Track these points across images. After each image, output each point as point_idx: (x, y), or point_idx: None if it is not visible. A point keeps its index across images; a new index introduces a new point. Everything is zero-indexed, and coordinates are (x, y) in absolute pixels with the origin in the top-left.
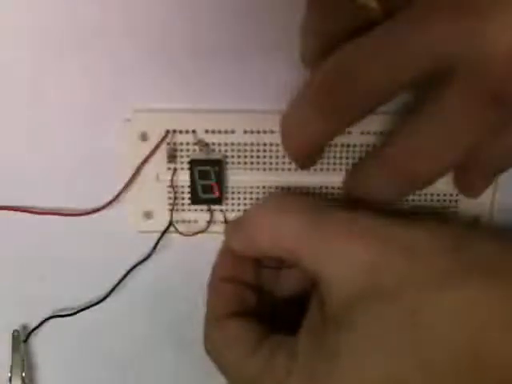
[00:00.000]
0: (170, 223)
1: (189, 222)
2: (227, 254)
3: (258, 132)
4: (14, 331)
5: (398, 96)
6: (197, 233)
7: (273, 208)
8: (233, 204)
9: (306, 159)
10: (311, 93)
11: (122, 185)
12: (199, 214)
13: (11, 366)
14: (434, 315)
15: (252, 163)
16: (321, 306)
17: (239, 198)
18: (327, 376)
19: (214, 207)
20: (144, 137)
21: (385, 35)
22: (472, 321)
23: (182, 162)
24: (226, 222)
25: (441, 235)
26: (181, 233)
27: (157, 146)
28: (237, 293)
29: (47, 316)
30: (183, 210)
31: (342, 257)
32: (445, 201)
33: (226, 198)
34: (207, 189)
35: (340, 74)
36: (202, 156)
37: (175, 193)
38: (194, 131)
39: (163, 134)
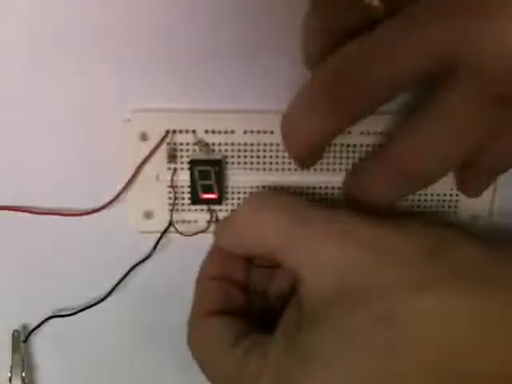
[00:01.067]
0: (170, 223)
1: (189, 222)
2: (216, 252)
3: (258, 132)
4: (14, 331)
5: (398, 96)
6: (197, 233)
7: (257, 206)
8: (233, 204)
9: (307, 159)
10: (312, 92)
11: (122, 185)
12: (199, 214)
13: (11, 366)
14: (407, 319)
15: (252, 163)
16: (298, 306)
17: (239, 198)
18: (298, 377)
19: (213, 207)
20: (144, 137)
21: (387, 34)
22: (446, 330)
23: (182, 162)
24: (217, 221)
25: (420, 238)
26: (181, 233)
27: (157, 146)
28: (222, 291)
29: (47, 316)
30: (183, 210)
31: (318, 257)
32: (445, 201)
33: (226, 198)
34: (207, 189)
35: (341, 73)
36: (202, 156)
37: (175, 193)
38: (194, 131)
39: (163, 134)
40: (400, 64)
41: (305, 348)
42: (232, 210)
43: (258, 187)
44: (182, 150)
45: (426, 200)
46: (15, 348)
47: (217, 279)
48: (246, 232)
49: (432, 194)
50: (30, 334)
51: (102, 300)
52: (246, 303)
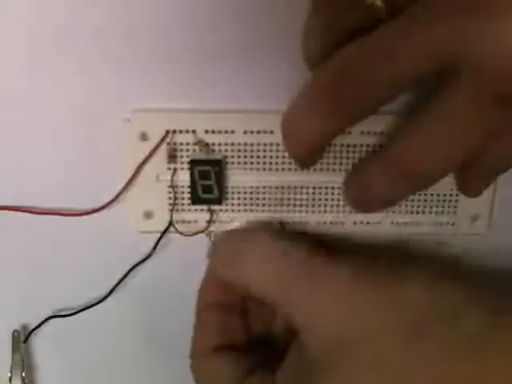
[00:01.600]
0: (170, 223)
1: (189, 222)
2: (211, 278)
3: (258, 132)
4: (14, 331)
5: (399, 96)
6: (197, 233)
7: (254, 252)
8: (233, 204)
9: (307, 159)
10: (313, 92)
11: (122, 185)
12: (199, 214)
13: (11, 366)
14: (401, 370)
15: (252, 163)
16: (300, 351)
17: (239, 198)
18: None
19: (213, 207)
20: (144, 137)
21: (387, 35)
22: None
23: (182, 162)
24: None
25: (405, 313)
26: (181, 233)
27: (157, 146)
28: (222, 320)
29: (47, 316)
30: (183, 210)
31: (314, 308)
32: (445, 201)
33: (226, 198)
34: (207, 189)
35: (342, 74)
36: (202, 156)
37: (175, 193)
38: (194, 131)
39: (163, 134)
40: (401, 64)
41: None
42: (228, 232)
43: (258, 187)
44: (182, 150)
45: (425, 200)
46: (15, 348)
47: (215, 307)
48: (236, 273)
49: (432, 194)
50: (30, 334)
51: (102, 300)
52: (247, 333)
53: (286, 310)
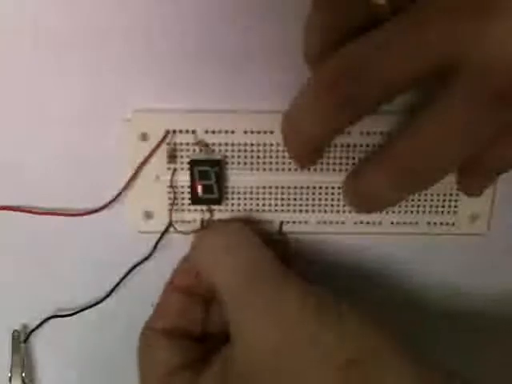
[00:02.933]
0: (170, 223)
1: (189, 222)
2: (187, 263)
3: (258, 132)
4: (14, 331)
5: (399, 96)
6: (197, 233)
7: (224, 247)
8: (233, 204)
9: (307, 158)
10: (313, 90)
11: (122, 185)
12: (199, 214)
13: (11, 366)
14: None
15: (252, 163)
16: (226, 360)
17: (239, 198)
18: None
19: (213, 207)
20: (144, 137)
21: (388, 34)
22: None
23: (182, 162)
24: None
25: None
26: (181, 233)
27: (157, 146)
28: (183, 307)
29: (47, 316)
30: (183, 210)
31: (253, 332)
32: (445, 201)
33: (226, 198)
34: (207, 189)
35: (343, 71)
36: (201, 156)
37: (175, 193)
38: (193, 131)
39: (163, 134)
40: (401, 63)
41: None
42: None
43: (257, 187)
44: (182, 150)
45: (426, 200)
46: (15, 348)
47: (181, 290)
48: (202, 269)
49: (432, 194)
50: (30, 334)
51: (102, 300)
52: (202, 326)
53: (230, 310)
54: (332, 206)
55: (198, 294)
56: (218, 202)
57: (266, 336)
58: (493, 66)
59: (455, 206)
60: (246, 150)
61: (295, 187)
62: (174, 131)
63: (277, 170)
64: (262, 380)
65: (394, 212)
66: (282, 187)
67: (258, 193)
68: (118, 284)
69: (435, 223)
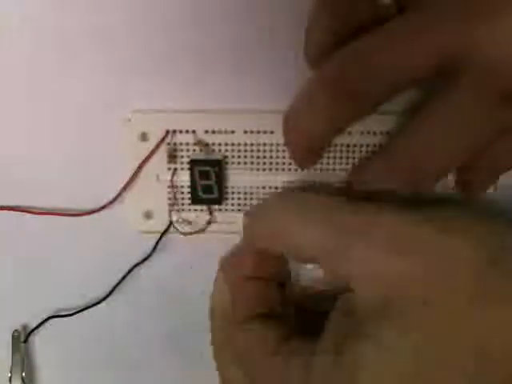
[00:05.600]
0: (170, 223)
1: (189, 222)
2: (247, 249)
3: (258, 132)
4: (14, 331)
5: (399, 95)
6: (197, 233)
7: (295, 211)
8: (233, 204)
9: (307, 157)
10: (315, 88)
11: (122, 185)
12: (199, 214)
13: (11, 366)
14: (460, 338)
15: (252, 163)
16: (346, 314)
17: (239, 198)
18: None
19: (213, 207)
20: (144, 137)
21: (393, 32)
22: (497, 343)
23: (182, 162)
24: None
25: (483, 246)
26: (181, 233)
27: (157, 146)
28: (260, 292)
29: (47, 316)
30: (183, 210)
31: (369, 268)
32: None
33: (226, 198)
34: (207, 189)
35: (345, 69)
36: (201, 156)
37: (175, 193)
38: (194, 131)
39: (163, 134)
40: (405, 61)
41: (353, 360)
42: (263, 204)
43: (257, 187)
44: (182, 150)
45: None
46: (15, 348)
47: (252, 279)
48: (284, 239)
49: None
50: (29, 333)
51: (102, 300)
52: (283, 303)
53: (334, 272)
54: None
55: (270, 277)
56: (218, 202)
57: (389, 265)
58: (498, 66)
59: None
60: (246, 150)
61: (295, 188)
62: (174, 131)
63: (277, 170)
64: (386, 316)
65: None
66: (282, 187)
67: (257, 193)
68: (118, 284)
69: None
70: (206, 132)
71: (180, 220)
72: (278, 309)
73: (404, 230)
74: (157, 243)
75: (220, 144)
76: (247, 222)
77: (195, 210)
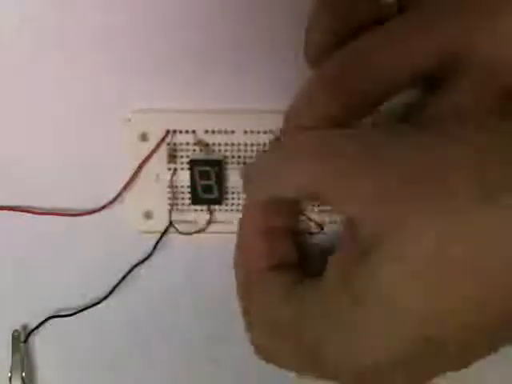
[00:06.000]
0: (170, 223)
1: (189, 222)
2: (251, 206)
3: (258, 132)
4: (14, 331)
5: (400, 94)
6: (197, 233)
7: (287, 154)
8: (233, 204)
9: None
10: (315, 87)
11: (122, 185)
12: (199, 214)
13: (11, 366)
14: (462, 247)
15: None
16: (352, 243)
17: (239, 198)
18: (354, 321)
19: (213, 207)
20: (144, 137)
21: (394, 31)
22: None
23: (181, 162)
24: (243, 164)
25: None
26: (181, 233)
27: (157, 146)
28: (270, 245)
29: (47, 316)
30: (183, 210)
31: (355, 193)
32: None
33: (226, 198)
34: (207, 189)
35: (345, 68)
36: (201, 156)
37: (175, 193)
38: (194, 131)
39: (163, 134)
40: (405, 61)
41: (360, 287)
42: (255, 161)
43: None
44: (182, 150)
45: None
46: (15, 348)
47: (260, 234)
48: (280, 184)
49: None
50: (29, 333)
51: (102, 300)
52: (294, 248)
53: (335, 205)
54: None
55: (277, 229)
56: (218, 202)
57: (367, 192)
58: (497, 66)
59: None
60: (246, 150)
61: None
62: (174, 131)
63: None
64: (386, 239)
65: None
66: None
67: None
68: (118, 284)
69: None
70: (206, 132)
71: (180, 220)
72: (287, 260)
73: (402, 148)
74: (157, 243)
75: (220, 144)
76: (245, 180)
77: (195, 210)
